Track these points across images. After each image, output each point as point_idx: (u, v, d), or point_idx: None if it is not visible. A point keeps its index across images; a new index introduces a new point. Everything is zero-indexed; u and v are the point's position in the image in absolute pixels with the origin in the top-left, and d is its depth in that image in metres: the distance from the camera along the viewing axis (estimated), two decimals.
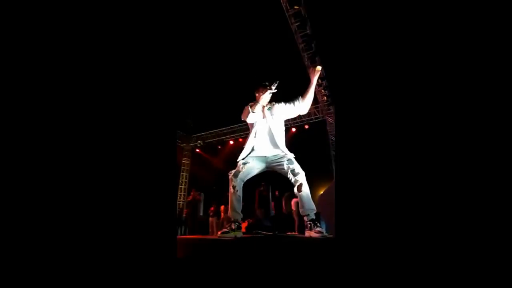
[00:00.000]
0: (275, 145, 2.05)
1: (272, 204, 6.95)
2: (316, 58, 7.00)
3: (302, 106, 2.08)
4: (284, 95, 2.17)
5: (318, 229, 1.79)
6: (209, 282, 0.79)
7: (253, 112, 2.01)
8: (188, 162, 11.65)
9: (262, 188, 6.65)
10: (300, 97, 2.09)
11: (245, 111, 2.09)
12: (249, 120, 2.07)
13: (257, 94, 2.08)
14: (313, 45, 6.76)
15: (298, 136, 8.69)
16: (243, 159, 2.07)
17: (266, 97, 2.01)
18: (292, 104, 2.10)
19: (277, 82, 1.99)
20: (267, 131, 2.06)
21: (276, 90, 2.01)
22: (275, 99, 2.18)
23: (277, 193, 6.98)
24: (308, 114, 9.29)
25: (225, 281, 0.76)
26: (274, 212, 6.87)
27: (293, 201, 6.63)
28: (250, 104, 2.08)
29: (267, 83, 2.01)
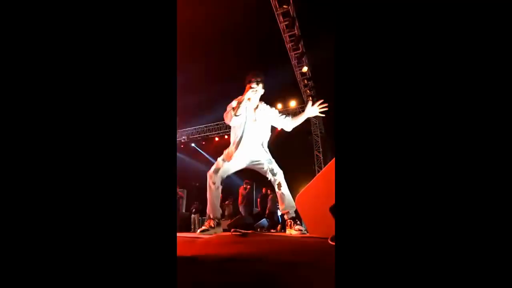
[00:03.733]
0: (259, 146, 2.07)
1: (258, 201, 6.99)
2: (303, 59, 7.08)
3: (288, 125, 2.15)
4: (270, 94, 2.17)
5: (298, 227, 1.83)
6: (186, 278, 0.78)
7: (235, 115, 1.93)
8: None
9: (245, 186, 6.67)
10: (291, 116, 2.16)
11: (227, 114, 1.99)
12: (232, 123, 1.99)
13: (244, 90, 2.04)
14: (300, 45, 6.83)
15: (282, 135, 8.77)
16: (228, 156, 2.04)
17: (249, 95, 1.94)
18: (282, 116, 2.15)
19: (258, 80, 1.95)
20: (255, 132, 2.05)
21: (258, 89, 1.96)
22: (266, 101, 2.16)
23: (268, 191, 7.00)
24: (293, 114, 9.38)
25: (202, 278, 0.77)
26: (259, 209, 6.91)
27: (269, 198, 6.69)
28: (232, 106, 1.98)
29: (251, 80, 1.95)
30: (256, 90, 1.95)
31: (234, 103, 1.98)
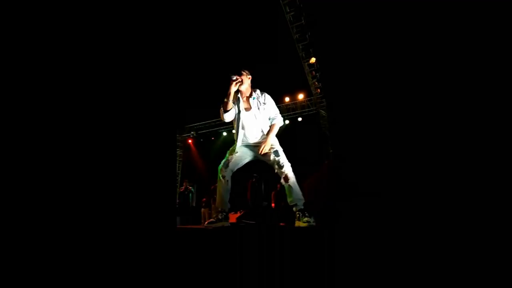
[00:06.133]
0: (262, 135, 2.05)
1: (272, 196, 7.02)
2: (310, 50, 6.94)
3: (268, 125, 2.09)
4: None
5: (306, 219, 1.82)
6: (194, 270, 0.78)
7: (226, 111, 1.96)
8: (181, 153, 11.58)
9: (254, 180, 6.69)
10: (270, 126, 2.07)
11: (220, 113, 2.01)
12: (226, 119, 2.01)
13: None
14: (307, 36, 6.69)
15: (291, 129, 8.70)
16: (234, 150, 2.05)
17: (235, 88, 1.95)
18: (272, 115, 2.07)
19: (238, 72, 1.95)
20: (253, 121, 2.03)
21: (242, 79, 1.96)
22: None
23: (279, 186, 6.99)
24: (302, 106, 9.30)
25: (210, 270, 0.76)
26: (273, 205, 6.94)
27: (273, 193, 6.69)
28: (222, 104, 2.00)
29: (230, 75, 1.95)
30: (239, 81, 1.95)
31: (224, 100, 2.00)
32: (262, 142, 2.02)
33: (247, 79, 2.01)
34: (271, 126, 2.06)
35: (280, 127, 2.13)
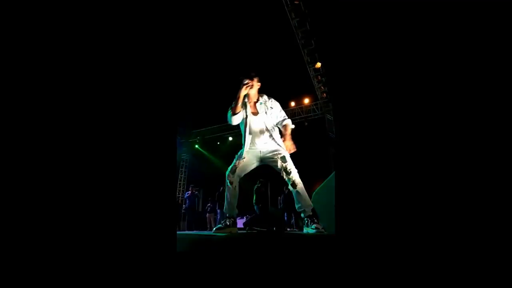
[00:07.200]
0: (270, 140, 2.04)
1: (279, 200, 6.97)
2: (316, 55, 6.96)
3: (279, 128, 2.12)
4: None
5: (315, 225, 1.80)
6: (202, 277, 0.78)
7: (235, 114, 1.97)
8: (187, 158, 11.64)
9: (260, 185, 6.67)
10: (282, 127, 2.08)
11: (228, 116, 2.02)
12: (233, 122, 2.02)
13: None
14: (312, 41, 6.72)
15: (297, 133, 8.67)
16: (241, 155, 2.05)
17: (244, 92, 1.97)
18: (281, 118, 2.09)
19: (249, 75, 1.97)
20: (260, 126, 2.04)
21: (252, 83, 1.98)
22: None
23: (286, 190, 6.94)
24: (307, 111, 9.29)
25: (219, 277, 0.76)
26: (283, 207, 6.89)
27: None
28: (231, 106, 2.02)
29: (241, 78, 1.98)
30: (250, 85, 1.97)
31: (233, 104, 2.02)
32: (275, 150, 2.01)
33: (256, 84, 2.04)
34: (284, 127, 2.06)
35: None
